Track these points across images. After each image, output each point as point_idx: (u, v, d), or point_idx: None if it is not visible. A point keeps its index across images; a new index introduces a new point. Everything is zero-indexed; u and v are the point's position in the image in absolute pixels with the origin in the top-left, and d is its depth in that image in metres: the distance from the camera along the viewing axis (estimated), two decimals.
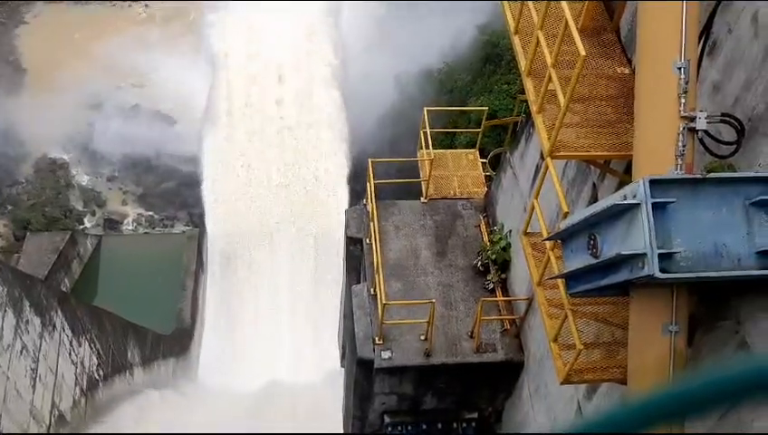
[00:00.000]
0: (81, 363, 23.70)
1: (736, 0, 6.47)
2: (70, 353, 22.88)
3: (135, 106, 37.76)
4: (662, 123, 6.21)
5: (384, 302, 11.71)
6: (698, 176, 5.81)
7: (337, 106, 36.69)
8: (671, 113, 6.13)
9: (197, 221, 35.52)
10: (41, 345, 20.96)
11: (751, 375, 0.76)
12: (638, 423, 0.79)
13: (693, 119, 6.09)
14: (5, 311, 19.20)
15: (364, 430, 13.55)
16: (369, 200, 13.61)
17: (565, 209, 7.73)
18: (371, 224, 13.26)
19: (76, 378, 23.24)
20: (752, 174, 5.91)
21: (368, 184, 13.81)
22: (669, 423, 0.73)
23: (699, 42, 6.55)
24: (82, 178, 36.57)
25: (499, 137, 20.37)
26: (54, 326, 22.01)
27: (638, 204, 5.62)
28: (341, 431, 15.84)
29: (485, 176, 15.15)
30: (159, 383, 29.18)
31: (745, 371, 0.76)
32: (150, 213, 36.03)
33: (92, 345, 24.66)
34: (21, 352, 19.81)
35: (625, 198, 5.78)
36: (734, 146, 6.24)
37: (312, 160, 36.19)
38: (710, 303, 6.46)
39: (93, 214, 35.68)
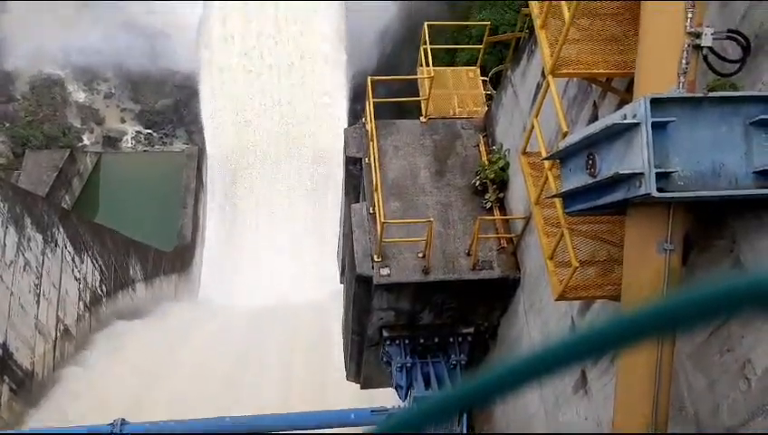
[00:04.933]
0: (84, 279, 24.06)
1: None
2: (72, 270, 23.20)
3: (127, 22, 36.83)
4: (667, 40, 6.09)
5: (383, 220, 11.79)
6: (699, 95, 5.74)
7: (336, 22, 35.85)
8: (677, 29, 6.00)
9: (197, 139, 35.33)
10: (43, 261, 21.22)
11: (742, 288, 0.78)
12: (628, 336, 0.81)
13: (699, 35, 5.97)
14: (7, 228, 19.35)
15: (363, 344, 13.90)
16: (369, 119, 13.49)
17: (565, 129, 7.68)
18: (370, 143, 13.19)
19: (80, 293, 23.65)
20: (753, 93, 5.85)
21: (367, 103, 13.65)
22: (659, 336, 0.75)
23: None
24: (79, 95, 36.13)
25: (501, 54, 19.99)
26: (56, 243, 22.22)
27: (638, 123, 5.59)
28: (341, 345, 16.24)
29: (486, 94, 14.95)
30: (162, 299, 29.73)
31: (736, 284, 0.78)
32: (149, 130, 35.80)
33: (95, 262, 24.98)
34: (24, 268, 20.08)
35: (625, 118, 5.73)
36: (738, 64, 6.13)
37: (311, 78, 35.66)
38: (706, 222, 6.51)
39: (92, 131, 35.46)
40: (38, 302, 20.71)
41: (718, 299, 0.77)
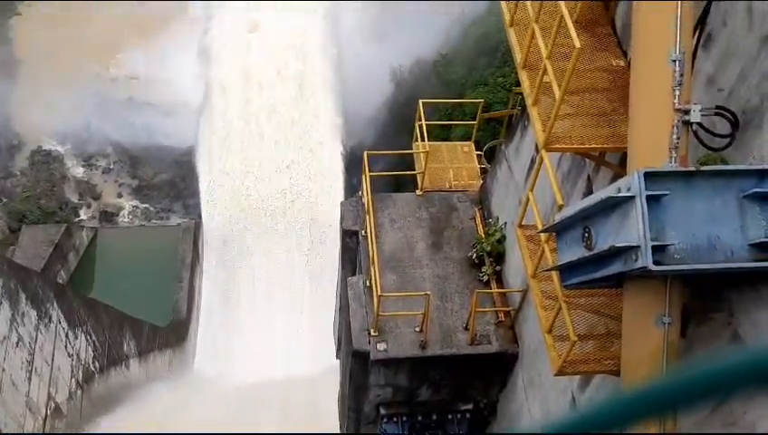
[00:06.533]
0: (77, 355, 23.70)
1: None
2: (66, 346, 22.88)
3: (130, 98, 37.64)
4: (657, 116, 6.22)
5: (379, 294, 11.73)
6: (692, 168, 5.83)
7: (333, 99, 36.65)
8: (666, 106, 6.14)
9: (193, 213, 35.49)
10: (37, 337, 20.94)
11: (744, 366, 0.77)
12: (630, 416, 0.80)
13: (687, 111, 6.11)
14: (1, 303, 19.19)
15: (360, 421, 13.59)
16: (365, 193, 13.61)
17: (560, 202, 7.75)
18: (367, 216, 13.26)
19: (72, 370, 23.25)
20: (745, 167, 5.94)
21: (363, 176, 13.81)
22: (662, 415, 0.74)
23: (694, 34, 6.56)
24: (77, 170, 36.48)
25: (494, 130, 20.38)
26: (50, 318, 21.99)
27: (633, 197, 5.64)
28: (337, 423, 15.89)
29: (481, 168, 15.16)
30: (155, 375, 29.21)
31: (738, 362, 0.77)
32: (146, 205, 35.99)
33: (88, 337, 24.65)
34: (17, 344, 19.80)
35: (619, 191, 5.79)
36: (729, 139, 6.26)
37: (307, 153, 36.16)
38: (703, 295, 6.49)
39: (89, 206, 35.63)
40: (29, 379, 20.32)
41: (719, 378, 0.77)
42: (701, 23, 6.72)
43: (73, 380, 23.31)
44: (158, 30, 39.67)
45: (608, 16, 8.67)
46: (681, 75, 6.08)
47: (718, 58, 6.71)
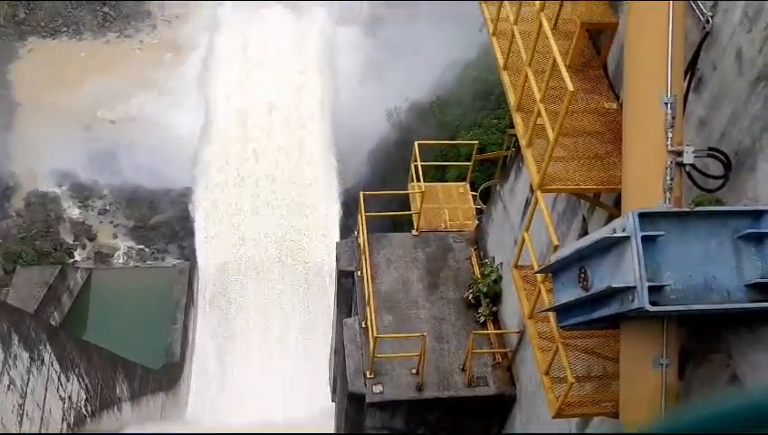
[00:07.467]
0: (69, 399, 23.36)
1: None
2: (58, 389, 22.58)
3: (127, 139, 37.81)
4: (650, 157, 6.29)
5: (375, 335, 11.66)
6: (687, 209, 5.86)
7: (328, 141, 36.92)
8: (659, 148, 6.21)
9: (188, 254, 35.39)
10: (28, 380, 20.68)
11: (743, 410, 0.78)
12: None
13: (680, 153, 6.18)
14: None
15: None
16: (361, 233, 13.63)
17: (555, 243, 7.77)
18: (362, 257, 13.25)
19: (63, 413, 22.90)
20: (739, 208, 5.98)
21: (359, 217, 13.84)
22: None
23: (685, 78, 6.68)
24: (73, 211, 36.48)
25: (489, 171, 20.50)
26: (43, 361, 21.74)
27: (628, 237, 5.66)
28: None
29: (476, 209, 15.22)
30: (148, 419, 28.77)
31: (737, 406, 0.78)
32: (141, 246, 35.90)
33: (81, 380, 24.34)
34: (8, 387, 19.54)
35: (614, 232, 5.81)
36: (722, 180, 6.31)
37: (303, 194, 36.28)
38: (701, 336, 6.47)
39: (84, 247, 35.52)
40: (20, 422, 19.99)
41: (719, 422, 0.78)
42: (692, 67, 6.84)
43: (65, 423, 22.93)
44: (156, 73, 40.16)
45: (600, 60, 8.82)
46: (673, 117, 6.17)
47: (709, 101, 6.82)
